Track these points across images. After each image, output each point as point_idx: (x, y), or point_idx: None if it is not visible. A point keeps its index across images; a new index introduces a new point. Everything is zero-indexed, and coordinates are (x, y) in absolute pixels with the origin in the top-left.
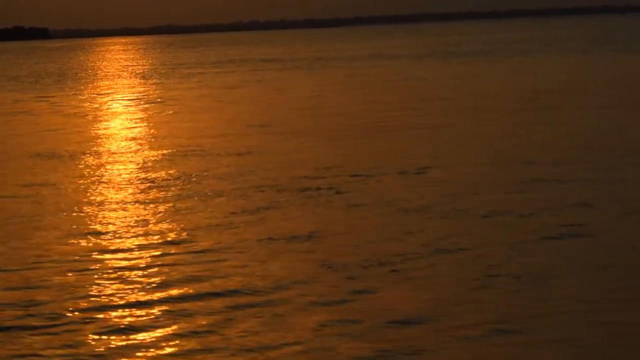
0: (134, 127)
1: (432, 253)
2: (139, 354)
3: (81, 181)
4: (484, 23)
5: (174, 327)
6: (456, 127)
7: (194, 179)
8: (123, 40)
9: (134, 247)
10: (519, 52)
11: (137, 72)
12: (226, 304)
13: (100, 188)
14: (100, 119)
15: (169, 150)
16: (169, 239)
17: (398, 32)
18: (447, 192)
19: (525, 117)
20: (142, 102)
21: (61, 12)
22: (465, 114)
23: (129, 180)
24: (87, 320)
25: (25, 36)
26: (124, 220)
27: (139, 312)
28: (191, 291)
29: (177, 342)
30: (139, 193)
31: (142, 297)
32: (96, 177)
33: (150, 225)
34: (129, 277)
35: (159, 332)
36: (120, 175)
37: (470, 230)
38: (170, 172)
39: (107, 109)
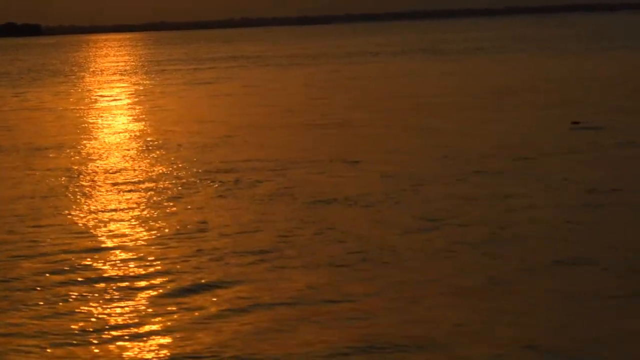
0: (80, 123)
1: (317, 240)
2: None
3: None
4: (475, 20)
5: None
6: (394, 123)
7: (110, 172)
8: (114, 37)
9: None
10: (494, 50)
11: (115, 69)
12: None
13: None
14: (53, 113)
15: (99, 145)
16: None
17: (386, 30)
18: (362, 184)
19: (464, 115)
20: (104, 99)
21: (54, 9)
22: (410, 111)
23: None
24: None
25: (17, 33)
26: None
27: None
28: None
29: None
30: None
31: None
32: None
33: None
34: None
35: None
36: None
37: (361, 218)
38: (95, 164)
39: (69, 104)
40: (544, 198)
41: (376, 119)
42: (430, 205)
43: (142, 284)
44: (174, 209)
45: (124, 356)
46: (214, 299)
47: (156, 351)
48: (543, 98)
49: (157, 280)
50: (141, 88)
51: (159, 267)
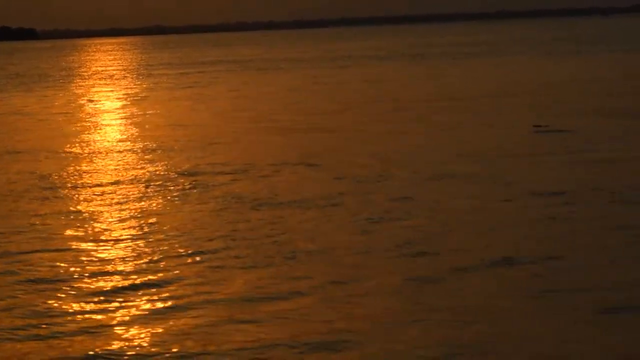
0: (56, 127)
1: (262, 240)
2: None
3: None
4: (469, 24)
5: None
6: (364, 127)
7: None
8: (109, 41)
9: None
10: (476, 55)
11: (103, 73)
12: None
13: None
14: (31, 118)
15: (66, 150)
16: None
17: (380, 34)
18: (316, 187)
19: (433, 119)
20: (85, 104)
21: (50, 12)
22: (382, 115)
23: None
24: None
25: (12, 37)
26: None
27: None
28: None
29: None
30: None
31: None
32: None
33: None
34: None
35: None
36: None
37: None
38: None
39: (49, 109)
40: (486, 200)
41: (348, 124)
42: (376, 208)
43: (85, 282)
44: (129, 210)
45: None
46: (153, 297)
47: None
48: (513, 102)
49: (96, 279)
50: (124, 93)
51: (100, 266)
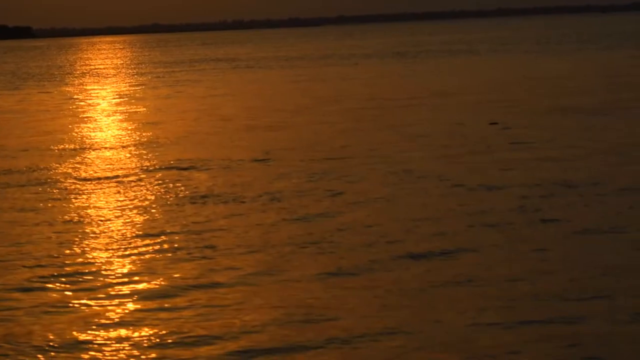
0: (32, 126)
1: (188, 235)
2: None
3: None
4: (465, 22)
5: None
6: (302, 125)
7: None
8: (105, 39)
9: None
10: (458, 52)
11: (93, 72)
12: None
13: None
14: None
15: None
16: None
17: (375, 32)
18: (256, 182)
19: (392, 115)
20: (66, 102)
21: (46, 11)
22: (349, 112)
23: None
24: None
25: (8, 35)
26: None
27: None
28: None
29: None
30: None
31: None
32: None
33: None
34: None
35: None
36: None
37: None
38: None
39: (30, 107)
40: (406, 195)
41: (303, 122)
42: (314, 203)
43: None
44: (65, 204)
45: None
46: (67, 287)
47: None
48: (478, 99)
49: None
50: (105, 91)
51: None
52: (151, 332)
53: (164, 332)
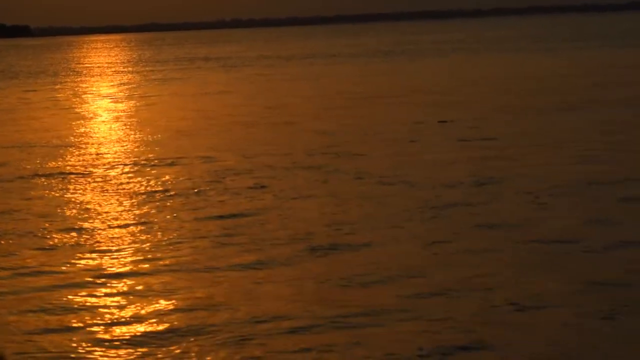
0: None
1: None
2: None
3: None
4: (461, 21)
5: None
6: (256, 124)
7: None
8: (102, 38)
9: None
10: (439, 52)
11: (80, 71)
12: None
13: None
14: None
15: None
16: None
17: (370, 31)
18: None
19: (349, 113)
20: (36, 100)
21: (45, 9)
22: (308, 110)
23: None
24: None
25: (6, 34)
26: None
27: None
28: None
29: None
30: None
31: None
32: None
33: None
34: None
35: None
36: None
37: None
38: None
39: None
40: (332, 190)
41: (265, 122)
42: (234, 200)
43: None
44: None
45: None
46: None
47: None
48: (435, 98)
49: None
50: (88, 90)
51: None
52: (77, 318)
53: (93, 317)
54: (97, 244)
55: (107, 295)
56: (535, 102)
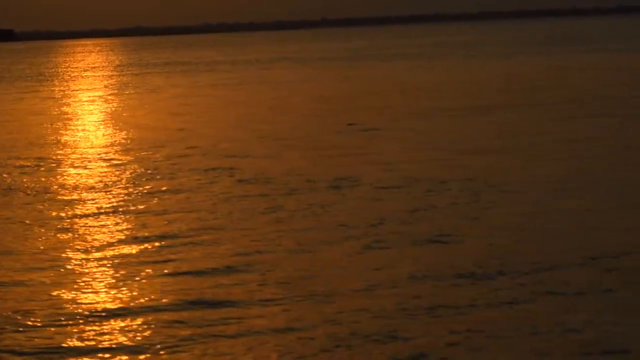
0: None
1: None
2: None
3: None
4: (444, 25)
5: None
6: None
7: None
8: (86, 42)
9: None
10: (405, 56)
11: (54, 75)
12: None
13: None
14: None
15: None
16: None
17: (352, 35)
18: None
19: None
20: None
21: (30, 13)
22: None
23: None
24: None
25: None
26: None
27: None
28: None
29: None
30: None
31: None
32: None
33: None
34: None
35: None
36: None
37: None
38: None
39: None
40: (226, 190)
41: (207, 126)
42: (170, 197)
43: None
44: None
45: None
46: None
47: None
48: (358, 103)
49: None
50: (54, 94)
51: None
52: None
53: (79, 308)
54: (79, 243)
55: (94, 294)
56: (446, 104)
